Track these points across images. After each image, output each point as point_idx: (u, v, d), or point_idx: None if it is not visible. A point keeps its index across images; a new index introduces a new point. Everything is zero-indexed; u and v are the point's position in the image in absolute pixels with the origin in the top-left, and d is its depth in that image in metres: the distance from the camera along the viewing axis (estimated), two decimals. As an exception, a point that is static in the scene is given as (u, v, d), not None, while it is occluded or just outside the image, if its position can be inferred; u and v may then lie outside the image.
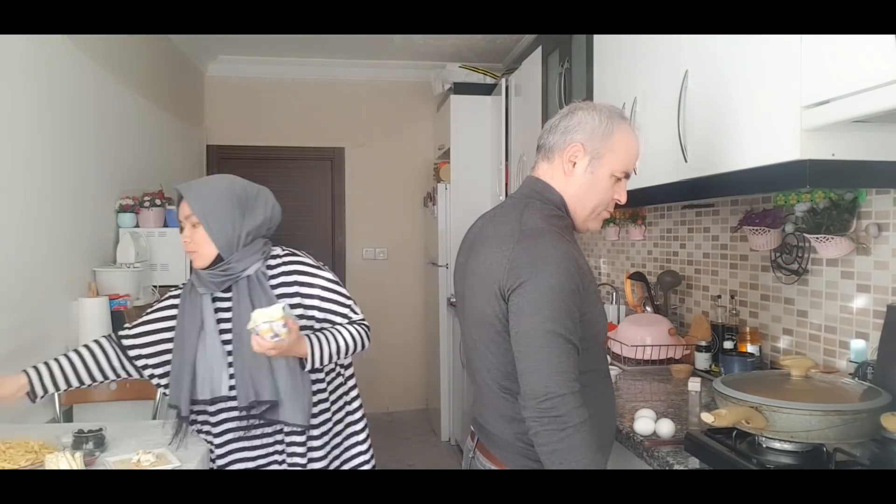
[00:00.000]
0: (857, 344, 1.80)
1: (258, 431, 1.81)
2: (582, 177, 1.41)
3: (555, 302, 1.25)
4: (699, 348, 2.33)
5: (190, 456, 1.80)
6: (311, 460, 1.83)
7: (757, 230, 2.08)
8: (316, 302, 1.81)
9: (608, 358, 2.46)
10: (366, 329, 1.86)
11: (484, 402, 1.47)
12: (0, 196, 2.30)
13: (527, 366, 1.26)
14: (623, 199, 1.46)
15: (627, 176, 1.45)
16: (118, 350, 1.85)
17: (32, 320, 2.50)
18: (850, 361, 1.80)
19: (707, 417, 1.30)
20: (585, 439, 1.23)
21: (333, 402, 1.90)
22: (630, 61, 2.31)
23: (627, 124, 1.43)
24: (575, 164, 1.40)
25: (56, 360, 1.81)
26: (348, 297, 1.86)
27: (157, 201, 3.44)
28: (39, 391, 1.78)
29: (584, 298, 1.30)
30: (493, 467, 1.42)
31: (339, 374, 1.93)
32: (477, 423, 1.51)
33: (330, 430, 1.88)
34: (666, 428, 1.60)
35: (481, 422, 1.48)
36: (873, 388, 1.36)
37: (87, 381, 1.84)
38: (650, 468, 1.56)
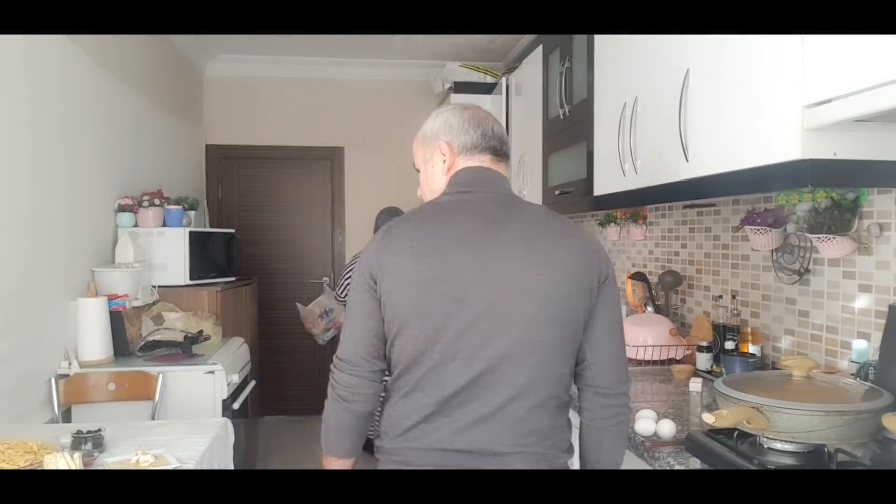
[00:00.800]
0: (859, 344, 1.79)
1: None
2: None
3: None
4: (700, 349, 2.33)
5: (189, 456, 1.80)
6: None
7: (758, 230, 2.07)
8: None
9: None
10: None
11: (500, 423, 1.23)
12: (-1, 196, 2.30)
13: (619, 354, 1.33)
14: None
15: None
16: None
17: (31, 320, 2.50)
18: (852, 362, 1.79)
19: (708, 418, 1.30)
20: None
21: None
22: (631, 61, 2.30)
23: None
24: None
25: None
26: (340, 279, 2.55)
27: (156, 201, 3.43)
28: None
29: None
30: None
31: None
32: (466, 454, 1.24)
33: None
34: (667, 428, 1.60)
35: (493, 448, 1.24)
36: (875, 389, 1.36)
37: None
38: (651, 468, 1.56)
